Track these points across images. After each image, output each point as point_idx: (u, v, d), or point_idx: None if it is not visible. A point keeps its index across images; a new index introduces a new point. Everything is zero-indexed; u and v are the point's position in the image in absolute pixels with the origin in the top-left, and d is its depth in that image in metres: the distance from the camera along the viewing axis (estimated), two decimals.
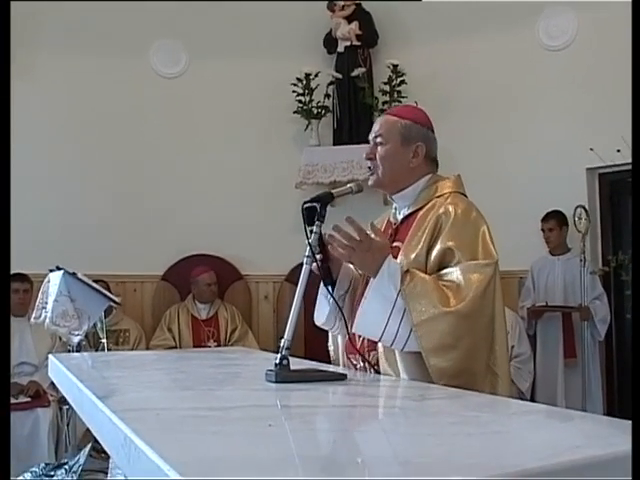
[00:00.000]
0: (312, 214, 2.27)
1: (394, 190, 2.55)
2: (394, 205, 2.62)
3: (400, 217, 2.56)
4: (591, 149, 5.56)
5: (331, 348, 2.75)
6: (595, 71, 5.91)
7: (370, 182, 2.57)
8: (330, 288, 2.43)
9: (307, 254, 2.23)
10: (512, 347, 5.54)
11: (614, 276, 5.80)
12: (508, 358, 2.41)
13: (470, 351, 2.20)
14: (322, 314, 2.53)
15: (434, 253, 2.31)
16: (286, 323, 2.16)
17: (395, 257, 2.36)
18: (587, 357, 5.63)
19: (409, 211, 2.52)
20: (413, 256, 2.34)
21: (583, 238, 5.73)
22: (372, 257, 2.24)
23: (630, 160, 3.84)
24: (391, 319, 2.21)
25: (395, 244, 2.46)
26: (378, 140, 2.52)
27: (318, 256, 2.28)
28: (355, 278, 2.56)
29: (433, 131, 2.59)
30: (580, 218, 5.76)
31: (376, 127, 2.56)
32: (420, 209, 2.47)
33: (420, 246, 2.35)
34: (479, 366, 2.24)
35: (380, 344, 2.34)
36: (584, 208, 5.79)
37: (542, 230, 5.97)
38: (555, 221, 5.89)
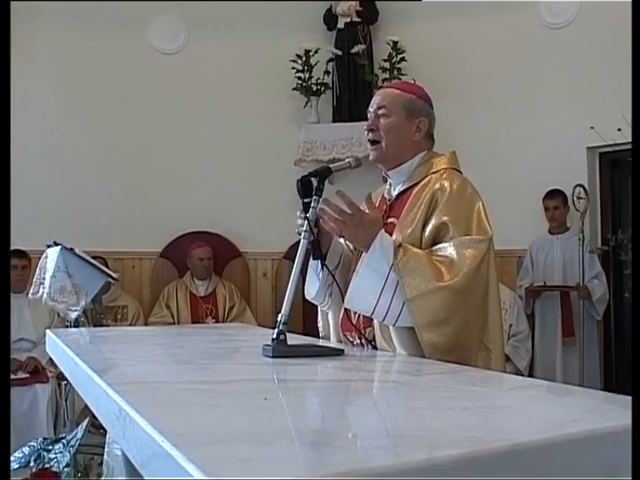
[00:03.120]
0: (307, 188, 2.26)
1: (394, 164, 2.52)
2: (389, 181, 2.60)
3: (395, 193, 2.54)
4: (592, 128, 5.52)
5: (320, 324, 2.74)
6: (597, 49, 5.86)
7: (371, 156, 2.54)
8: (320, 263, 2.42)
9: (304, 229, 2.22)
10: (510, 326, 5.55)
11: (613, 255, 5.79)
12: (502, 335, 2.39)
13: (463, 326, 2.18)
14: (313, 288, 2.51)
15: (429, 228, 2.30)
16: (284, 299, 2.15)
17: (390, 233, 2.34)
18: (585, 336, 5.64)
19: (404, 187, 2.50)
20: (408, 232, 2.33)
21: (582, 217, 5.72)
22: (364, 231, 2.21)
23: (631, 139, 3.82)
24: (383, 294, 2.19)
25: (390, 220, 2.45)
26: (381, 112, 2.49)
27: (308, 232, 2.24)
28: (345, 255, 2.54)
29: (433, 108, 2.57)
30: (579, 197, 5.74)
31: (378, 99, 2.53)
32: (415, 185, 2.46)
33: (415, 222, 2.33)
34: (472, 342, 2.23)
35: (376, 320, 2.33)
36: (583, 187, 5.77)
37: (546, 208, 5.94)
38: (561, 199, 5.88)
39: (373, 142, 2.51)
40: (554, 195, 5.88)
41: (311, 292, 2.53)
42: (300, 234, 2.29)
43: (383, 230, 2.26)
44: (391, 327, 2.26)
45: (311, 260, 2.43)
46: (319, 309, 2.71)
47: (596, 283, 5.66)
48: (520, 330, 5.69)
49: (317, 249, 2.38)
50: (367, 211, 2.27)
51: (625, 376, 5.68)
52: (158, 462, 1.12)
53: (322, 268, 2.41)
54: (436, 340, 2.14)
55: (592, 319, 5.75)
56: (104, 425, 1.66)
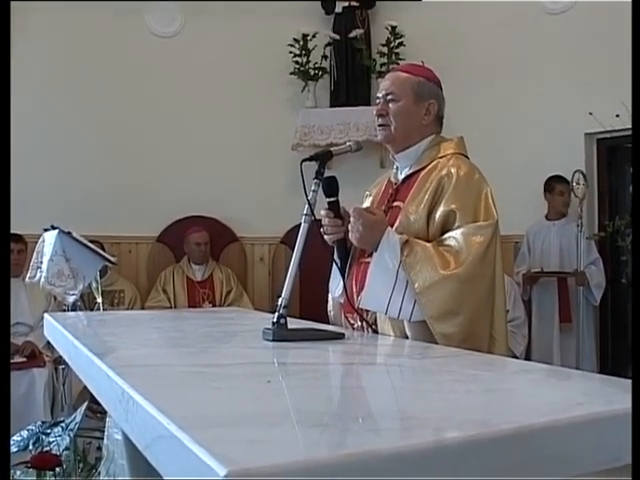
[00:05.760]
0: (332, 187, 2.34)
1: (402, 147, 2.52)
2: (395, 165, 2.60)
3: (401, 177, 2.54)
4: (590, 114, 5.51)
5: (331, 313, 2.75)
6: (596, 35, 5.83)
7: (380, 137, 2.55)
8: (345, 259, 2.46)
9: (306, 212, 2.21)
10: (507, 311, 5.55)
11: (610, 241, 5.79)
12: (506, 320, 2.41)
13: (474, 315, 2.20)
14: (341, 287, 2.51)
15: (437, 215, 2.31)
16: (282, 284, 2.15)
17: (395, 217, 2.35)
18: (582, 322, 5.65)
19: (411, 171, 2.50)
20: (413, 217, 2.34)
21: (581, 203, 5.70)
22: (372, 233, 2.27)
23: (629, 125, 3.81)
24: (395, 291, 2.23)
25: (396, 203, 2.46)
26: (390, 97, 2.49)
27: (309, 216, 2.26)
28: None
29: (442, 90, 2.57)
30: (578, 183, 5.72)
31: (386, 84, 2.53)
32: (422, 169, 2.46)
33: (421, 207, 2.34)
34: (484, 330, 2.25)
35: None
36: (582, 173, 5.76)
37: (560, 193, 5.86)
38: (567, 185, 5.83)
39: (382, 125, 2.51)
40: (562, 181, 5.81)
41: (337, 291, 2.56)
42: (327, 233, 2.39)
43: (389, 228, 2.29)
44: (405, 321, 2.27)
45: (336, 258, 2.47)
46: (330, 298, 2.71)
47: (593, 269, 5.66)
48: (517, 316, 5.71)
49: (343, 248, 2.44)
50: (368, 210, 2.34)
51: (621, 361, 5.70)
52: (163, 444, 1.11)
53: (345, 266, 2.46)
54: (449, 331, 2.16)
55: (589, 305, 5.75)
56: (106, 408, 1.66)
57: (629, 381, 1.40)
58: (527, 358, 5.68)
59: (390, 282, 2.23)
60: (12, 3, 4.38)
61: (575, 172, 5.72)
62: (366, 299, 2.32)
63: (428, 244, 2.25)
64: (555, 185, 5.89)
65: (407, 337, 2.25)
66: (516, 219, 5.78)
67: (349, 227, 2.31)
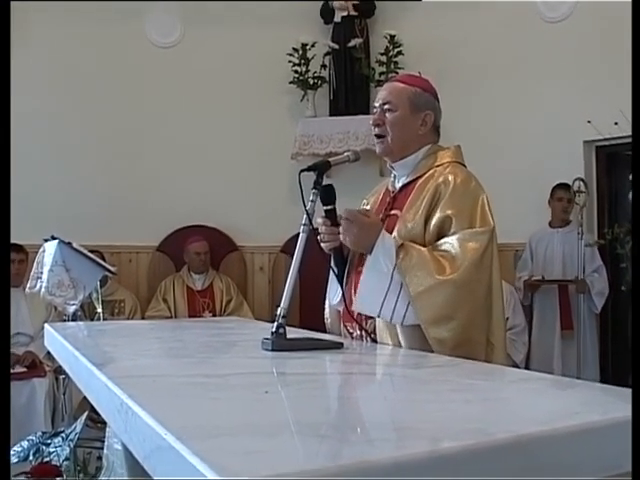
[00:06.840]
0: (329, 195, 2.32)
1: (399, 157, 2.53)
2: (393, 173, 2.61)
3: (399, 185, 2.55)
4: (589, 121, 5.52)
5: (328, 321, 2.75)
6: (594, 43, 5.85)
7: (378, 150, 2.56)
8: (341, 266, 2.46)
9: (304, 222, 2.22)
10: (507, 319, 5.55)
11: (610, 249, 5.79)
12: (504, 327, 2.41)
13: (469, 321, 2.19)
14: (339, 295, 2.52)
15: (433, 222, 2.31)
16: (282, 293, 2.15)
17: (393, 225, 2.36)
18: (583, 329, 5.64)
19: (408, 179, 2.51)
20: (410, 224, 2.35)
21: (581, 211, 5.71)
22: (366, 235, 2.27)
23: (628, 133, 3.82)
24: (389, 294, 2.22)
25: (393, 212, 2.47)
26: (387, 107, 2.50)
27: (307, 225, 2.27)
28: None
29: (439, 101, 2.57)
30: (579, 191, 5.73)
31: (383, 94, 2.54)
32: (419, 178, 2.47)
33: (419, 214, 2.35)
34: (480, 336, 2.24)
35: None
36: (583, 181, 5.76)
37: (559, 199, 5.86)
38: (567, 192, 5.83)
39: (379, 136, 2.52)
40: (566, 188, 5.82)
41: (334, 299, 2.56)
42: (324, 241, 2.38)
43: (384, 231, 2.29)
44: (397, 325, 2.27)
45: (333, 266, 2.47)
46: (327, 305, 2.71)
47: (596, 277, 5.66)
48: (517, 323, 5.70)
49: (340, 256, 2.44)
50: (361, 212, 2.34)
51: (622, 369, 5.69)
52: (161, 455, 1.11)
53: (342, 274, 2.45)
54: (443, 336, 2.16)
55: (590, 312, 5.75)
56: (105, 419, 1.66)
57: (628, 390, 1.40)
58: (527, 366, 5.67)
59: (384, 285, 2.23)
60: (12, 3, 4.38)
61: (575, 180, 5.73)
62: (359, 302, 2.32)
63: (424, 248, 2.25)
64: (556, 191, 5.89)
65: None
66: (516, 227, 5.79)
67: (341, 229, 2.30)
